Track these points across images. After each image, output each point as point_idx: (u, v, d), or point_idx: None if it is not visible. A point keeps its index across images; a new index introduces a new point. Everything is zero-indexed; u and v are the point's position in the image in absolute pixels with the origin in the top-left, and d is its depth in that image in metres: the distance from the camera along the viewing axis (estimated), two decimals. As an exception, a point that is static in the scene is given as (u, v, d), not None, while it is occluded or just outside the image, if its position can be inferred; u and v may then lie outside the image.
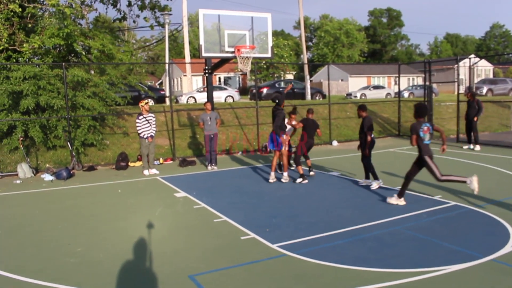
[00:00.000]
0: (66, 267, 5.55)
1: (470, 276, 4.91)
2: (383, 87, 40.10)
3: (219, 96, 25.97)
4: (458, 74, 16.39)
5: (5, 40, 13.46)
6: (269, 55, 13.27)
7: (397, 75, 20.95)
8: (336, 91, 43.80)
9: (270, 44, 13.14)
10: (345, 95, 37.23)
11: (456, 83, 16.96)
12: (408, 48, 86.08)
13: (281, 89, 27.47)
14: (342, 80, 50.48)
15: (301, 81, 32.87)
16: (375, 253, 5.64)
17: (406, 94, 35.40)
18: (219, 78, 47.33)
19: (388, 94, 36.73)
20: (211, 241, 6.33)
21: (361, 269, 5.15)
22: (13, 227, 7.46)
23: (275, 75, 43.69)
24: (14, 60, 13.89)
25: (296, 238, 6.32)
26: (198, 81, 44.91)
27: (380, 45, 78.66)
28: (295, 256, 5.63)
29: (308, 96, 27.61)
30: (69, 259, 5.83)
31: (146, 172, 11.99)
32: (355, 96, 34.45)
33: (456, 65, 19.01)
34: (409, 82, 50.63)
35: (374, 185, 9.31)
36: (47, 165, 13.36)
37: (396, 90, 38.38)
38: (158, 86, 45.00)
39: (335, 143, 17.49)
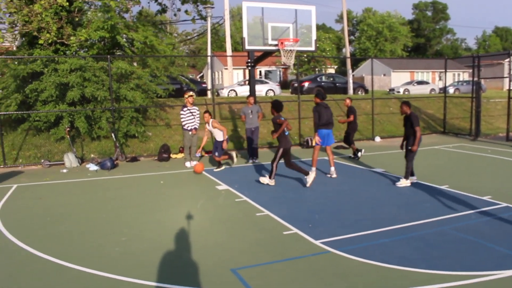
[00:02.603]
0: (110, 256, 5.64)
1: (525, 281, 4.68)
2: (427, 83, 39.02)
3: (260, 90, 25.90)
4: (510, 69, 15.71)
5: (53, 33, 13.81)
6: (312, 48, 13.12)
7: (441, 70, 20.41)
8: (378, 86, 43.02)
9: (314, 37, 12.97)
10: (388, 90, 36.50)
11: (507, 79, 16.27)
12: (453, 43, 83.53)
13: (322, 83, 27.17)
14: (384, 75, 49.52)
15: (343, 76, 32.42)
16: (421, 254, 5.46)
17: (451, 90, 34.38)
18: (260, 71, 47.27)
19: (433, 90, 35.73)
20: (253, 235, 6.30)
21: (407, 269, 4.99)
22: (60, 214, 7.66)
23: (316, 69, 43.28)
24: (62, 53, 14.25)
25: (340, 235, 6.20)
26: (239, 75, 45.03)
27: (424, 39, 76.70)
28: (339, 253, 5.52)
29: (350, 91, 27.20)
30: (113, 248, 5.92)
31: (188, 164, 12.09)
32: (398, 92, 33.72)
33: (507, 60, 18.27)
34: (454, 77, 49.14)
35: (403, 183, 9.13)
36: (92, 155, 13.68)
37: (441, 85, 37.38)
38: (199, 79, 45.38)
39: (377, 139, 17.17)
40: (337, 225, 6.68)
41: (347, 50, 28.62)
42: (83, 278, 4.99)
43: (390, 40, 62.31)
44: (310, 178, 9.17)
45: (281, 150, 9.20)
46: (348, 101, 13.20)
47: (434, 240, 5.93)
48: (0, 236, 6.59)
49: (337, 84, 27.81)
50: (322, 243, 5.89)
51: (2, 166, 12.64)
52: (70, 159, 12.69)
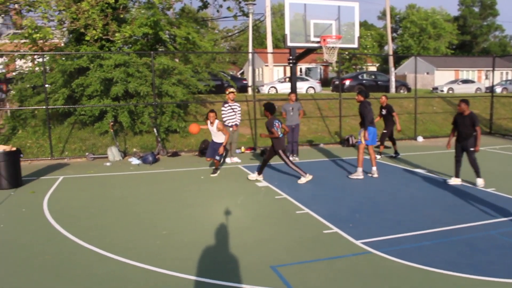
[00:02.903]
0: (152, 248, 5.74)
1: None
2: (472, 81, 37.87)
3: (300, 87, 25.76)
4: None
5: (99, 30, 14.17)
6: (355, 45, 12.96)
7: (488, 68, 19.74)
8: (421, 84, 42.07)
9: (357, 34, 12.81)
10: (431, 89, 35.64)
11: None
12: (502, 40, 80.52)
13: (364, 81, 26.79)
14: (427, 73, 48.37)
15: (385, 73, 31.86)
16: (466, 258, 5.29)
17: (499, 90, 33.26)
18: (300, 68, 47.06)
19: (478, 89, 34.68)
20: (293, 232, 6.28)
21: (451, 273, 4.85)
22: (104, 206, 7.85)
23: (358, 66, 42.72)
24: (107, 49, 14.60)
25: (381, 235, 6.11)
26: (279, 72, 44.97)
27: (470, 36, 74.34)
28: (380, 254, 5.43)
29: (392, 89, 26.71)
30: (154, 241, 6.03)
31: (228, 160, 12.17)
32: (442, 91, 32.87)
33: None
34: (502, 76, 47.48)
35: (453, 181, 9.11)
36: (134, 150, 13.97)
37: (487, 84, 36.21)
38: (239, 76, 45.61)
39: (420, 138, 16.81)
40: (378, 225, 6.58)
41: (390, 47, 28.02)
42: (125, 269, 5.10)
43: (434, 37, 60.73)
44: (255, 178, 9.79)
45: (281, 152, 9.35)
46: (384, 98, 12.88)
47: (480, 244, 5.74)
48: (48, 225, 6.82)
49: (379, 82, 27.36)
50: (363, 243, 5.81)
51: (49, 158, 13.08)
52: (113, 153, 13.00)
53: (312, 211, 7.29)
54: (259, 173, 9.76)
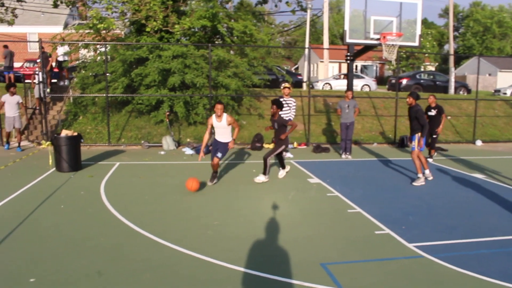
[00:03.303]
0: (204, 238, 5.84)
1: None
2: (539, 85, 35.96)
3: (355, 84, 25.36)
4: None
5: (160, 21, 14.50)
6: (416, 43, 12.60)
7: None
8: (482, 86, 40.42)
9: (419, 32, 12.45)
10: (493, 91, 34.17)
11: None
12: None
13: (421, 81, 26.06)
14: (489, 74, 46.40)
15: (444, 74, 30.83)
16: (527, 270, 5.07)
17: None
18: (356, 66, 46.35)
19: (545, 92, 32.90)
20: (344, 231, 6.21)
21: (508, 285, 4.64)
22: (158, 194, 8.06)
23: (415, 65, 41.56)
24: (166, 40, 14.91)
25: (435, 240, 5.93)
26: (334, 68, 44.47)
27: (538, 37, 70.60)
28: (433, 259, 5.28)
29: (452, 90, 25.82)
30: (205, 231, 6.13)
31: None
32: (505, 93, 31.43)
33: None
34: None
35: None
36: (188, 140, 14.24)
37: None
38: (294, 71, 45.45)
39: (478, 142, 16.19)
40: (432, 229, 6.39)
41: (451, 46, 27.02)
42: (177, 256, 5.21)
43: (499, 37, 58.12)
44: (262, 178, 9.23)
45: (282, 147, 9.16)
46: (432, 98, 12.13)
47: (541, 256, 5.48)
48: (104, 209, 7.08)
49: (437, 83, 26.49)
50: (415, 246, 5.67)
51: (106, 144, 13.56)
52: (167, 142, 13.30)
53: (364, 211, 7.19)
54: (284, 167, 9.60)
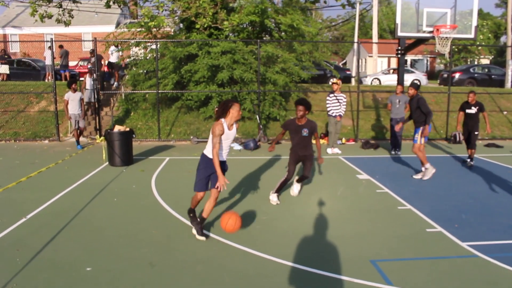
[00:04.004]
0: (251, 232, 5.88)
1: None
2: None
3: (406, 79, 24.73)
4: None
5: (209, 18, 14.66)
6: (472, 35, 12.11)
7: None
8: (542, 79, 38.47)
9: (475, 23, 11.96)
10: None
11: None
12: None
13: (475, 75, 25.16)
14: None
15: (500, 67, 29.58)
16: None
17: None
18: (406, 60, 45.22)
19: None
20: (394, 228, 6.10)
21: None
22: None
23: (468, 59, 40.09)
24: (215, 37, 15.07)
25: (490, 239, 5.73)
26: (383, 63, 43.59)
27: None
28: (488, 259, 5.10)
29: (508, 84, 24.75)
30: (255, 225, 6.17)
31: (329, 150, 12.08)
32: None
33: None
34: None
35: None
36: (236, 135, 14.34)
37: None
38: (342, 66, 44.93)
39: (537, 139, 15.46)
40: (487, 228, 6.17)
41: (509, 38, 25.80)
42: (226, 250, 5.28)
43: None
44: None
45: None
46: (473, 95, 10.75)
47: None
48: (155, 203, 7.26)
49: (493, 76, 25.45)
50: (469, 246, 5.50)
51: (157, 140, 13.86)
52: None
53: (415, 208, 7.03)
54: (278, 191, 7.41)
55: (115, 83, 17.46)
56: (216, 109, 5.58)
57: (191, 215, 5.80)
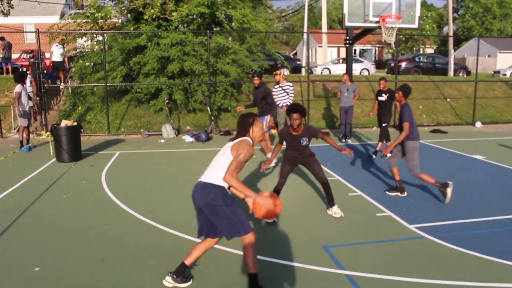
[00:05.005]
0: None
1: None
2: (539, 65, 35.82)
3: (354, 69, 25.16)
4: None
5: (157, 9, 14.41)
6: (415, 25, 12.51)
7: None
8: (482, 68, 40.25)
9: (418, 14, 12.35)
10: (493, 72, 34.05)
11: None
12: None
13: (421, 64, 25.96)
14: (489, 56, 46.19)
15: (443, 56, 30.70)
16: (526, 248, 5.12)
17: None
18: (355, 50, 46.11)
19: (545, 73, 32.79)
20: (345, 214, 6.23)
21: (509, 263, 4.69)
22: (159, 182, 8.09)
23: (414, 48, 41.36)
24: (164, 28, 14.84)
25: (436, 221, 5.97)
26: (332, 53, 44.26)
27: (539, 17, 70.09)
28: (434, 239, 5.32)
29: (451, 72, 25.74)
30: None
31: (280, 140, 12.16)
32: (504, 74, 31.31)
33: None
34: None
35: None
36: (188, 127, 14.24)
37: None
38: (292, 56, 45.29)
39: (478, 124, 16.18)
40: (433, 211, 6.43)
41: (450, 28, 26.83)
42: (181, 243, 5.26)
43: (499, 17, 57.64)
44: None
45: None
46: (384, 82, 10.51)
47: (541, 234, 5.53)
48: (106, 198, 7.11)
49: (437, 65, 26.39)
50: (416, 228, 5.72)
51: (106, 134, 13.56)
52: (167, 130, 13.30)
53: (365, 194, 7.23)
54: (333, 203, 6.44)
55: (61, 84, 16.33)
56: (167, 101, 5.29)
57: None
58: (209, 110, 14.01)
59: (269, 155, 9.14)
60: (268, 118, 9.18)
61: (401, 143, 6.79)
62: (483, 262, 4.74)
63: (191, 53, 14.13)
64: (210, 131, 13.40)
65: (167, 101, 13.90)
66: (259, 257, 4.83)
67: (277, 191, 6.19)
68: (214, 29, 16.23)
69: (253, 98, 9.66)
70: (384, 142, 10.25)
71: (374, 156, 10.12)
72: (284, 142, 6.18)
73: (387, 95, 10.27)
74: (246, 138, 4.10)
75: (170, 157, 10.45)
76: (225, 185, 3.97)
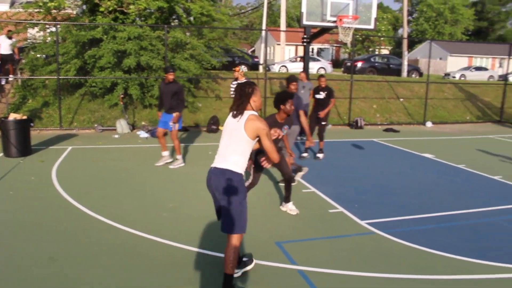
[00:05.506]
0: (158, 221, 5.81)
1: None
2: (486, 69, 37.37)
3: (311, 67, 25.54)
4: None
5: (114, 1, 14.09)
6: (371, 26, 12.75)
7: (503, 56, 19.44)
8: (433, 70, 41.53)
9: (374, 15, 12.59)
10: (443, 74, 35.26)
11: None
12: (519, 28, 79.05)
13: (376, 64, 26.58)
14: (440, 58, 47.80)
15: (398, 57, 31.52)
16: (468, 242, 5.35)
17: (512, 78, 32.83)
18: (313, 49, 46.67)
19: (491, 77, 34.25)
20: (299, 210, 6.29)
21: (452, 256, 4.92)
22: (112, 178, 7.94)
23: (370, 49, 42.27)
24: (121, 21, 14.53)
25: (386, 217, 6.16)
26: (290, 51, 44.62)
27: (487, 22, 72.98)
28: (384, 235, 5.49)
29: (404, 73, 26.48)
30: (161, 213, 6.10)
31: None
32: (454, 77, 32.51)
33: None
34: (516, 65, 46.73)
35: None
36: (143, 123, 14.03)
37: (500, 72, 35.76)
38: (250, 54, 45.35)
39: (429, 124, 16.72)
40: (384, 207, 6.62)
41: (405, 30, 27.61)
42: (133, 239, 5.18)
43: (451, 22, 59.73)
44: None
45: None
46: (324, 79, 10.41)
47: (483, 230, 5.80)
48: (56, 194, 6.92)
49: (391, 66, 27.09)
50: (368, 223, 5.87)
51: (58, 128, 13.17)
52: (122, 125, 13.06)
53: (319, 191, 7.34)
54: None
55: (10, 76, 15.57)
56: (122, 95, 5.15)
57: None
58: (165, 105, 13.83)
59: (179, 156, 8.87)
60: (175, 115, 8.67)
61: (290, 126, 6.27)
62: (427, 255, 4.94)
63: (149, 48, 13.90)
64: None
65: (122, 96, 13.63)
66: (215, 253, 4.84)
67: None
68: (172, 23, 16.04)
69: (160, 94, 8.94)
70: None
71: (320, 156, 10.11)
72: None
73: (325, 92, 10.18)
74: (252, 113, 3.91)
75: (124, 152, 10.27)
76: (243, 172, 3.93)
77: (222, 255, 4.79)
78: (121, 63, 13.61)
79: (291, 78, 8.37)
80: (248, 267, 4.43)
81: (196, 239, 5.21)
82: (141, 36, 13.74)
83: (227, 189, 3.84)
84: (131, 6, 14.28)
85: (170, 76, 8.69)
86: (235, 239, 3.86)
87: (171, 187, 7.41)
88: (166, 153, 9.06)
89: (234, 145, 3.88)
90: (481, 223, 6.06)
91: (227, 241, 3.92)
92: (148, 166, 8.86)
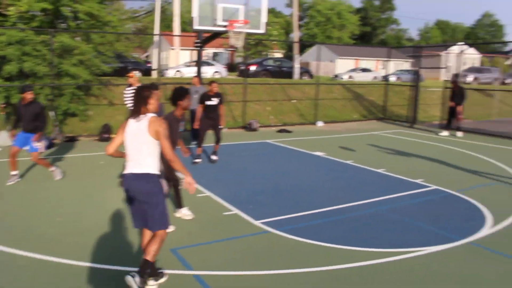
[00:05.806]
0: (45, 237, 5.50)
1: (447, 257, 5.08)
2: (370, 70, 40.13)
3: (206, 72, 25.68)
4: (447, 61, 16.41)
5: (-10, 2, 13.10)
6: (262, 31, 13.06)
7: (385, 58, 20.96)
8: (324, 72, 43.67)
9: (264, 20, 12.92)
10: (333, 76, 37.21)
11: (443, 70, 17.03)
12: (398, 33, 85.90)
13: (269, 67, 27.34)
14: (330, 61, 50.35)
15: (290, 60, 32.70)
16: (355, 233, 5.77)
17: (393, 78, 35.48)
18: (208, 53, 46.82)
19: (375, 77, 36.80)
20: (194, 215, 6.30)
21: (340, 247, 5.29)
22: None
23: (263, 52, 43.36)
24: (-1, 24, 13.54)
25: (280, 215, 6.38)
26: (185, 56, 44.37)
27: (370, 28, 78.37)
28: (277, 233, 5.70)
29: (296, 75, 27.53)
30: (48, 229, 5.79)
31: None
32: (342, 78, 34.47)
33: (445, 52, 19.02)
34: (396, 66, 50.66)
35: None
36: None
37: (383, 73, 38.46)
38: (145, 59, 44.40)
39: (320, 123, 17.53)
40: (277, 206, 6.85)
41: (296, 35, 28.79)
42: (17, 260, 4.85)
43: (338, 27, 63.28)
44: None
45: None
46: (215, 85, 9.99)
47: (368, 220, 6.27)
48: None
49: (283, 69, 28.03)
50: (262, 223, 6.04)
51: None
52: (3, 137, 12.16)
53: (213, 194, 7.40)
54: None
55: None
56: (3, 105, 4.81)
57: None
58: (53, 114, 13.10)
59: (53, 168, 8.40)
60: (37, 136, 8.12)
61: None
62: (317, 248, 5.27)
63: (33, 53, 13.06)
64: (53, 138, 12.55)
65: (3, 105, 12.68)
66: (105, 266, 4.70)
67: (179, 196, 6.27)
68: (59, 27, 15.23)
69: (18, 114, 8.20)
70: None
71: (214, 158, 10.15)
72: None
73: (219, 98, 9.88)
74: (151, 115, 4.07)
75: (6, 166, 9.56)
76: (159, 172, 4.09)
77: (113, 267, 4.67)
78: (1, 70, 12.67)
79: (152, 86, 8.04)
80: (163, 279, 4.42)
81: (86, 253, 5.00)
82: (23, 40, 12.89)
83: (149, 192, 4.02)
84: (11, 8, 13.35)
85: (29, 96, 7.94)
86: (161, 234, 4.12)
87: (59, 201, 7.05)
88: (15, 173, 8.28)
89: (145, 148, 4.01)
90: (366, 214, 6.53)
91: (145, 236, 4.31)
92: (33, 180, 8.38)
